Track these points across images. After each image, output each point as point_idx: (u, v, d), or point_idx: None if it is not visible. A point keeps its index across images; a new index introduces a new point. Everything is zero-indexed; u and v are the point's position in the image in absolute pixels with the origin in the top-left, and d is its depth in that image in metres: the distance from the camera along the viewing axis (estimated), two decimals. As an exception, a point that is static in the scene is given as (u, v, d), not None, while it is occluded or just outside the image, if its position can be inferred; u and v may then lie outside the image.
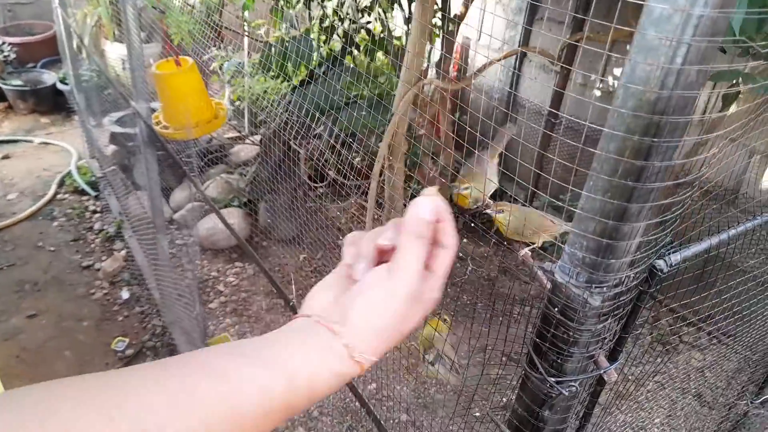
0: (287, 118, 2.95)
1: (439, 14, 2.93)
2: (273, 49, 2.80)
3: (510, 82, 4.09)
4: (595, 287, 0.68)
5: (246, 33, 4.03)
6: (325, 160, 2.99)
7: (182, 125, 2.31)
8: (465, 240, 3.47)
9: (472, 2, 2.93)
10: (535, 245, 1.44)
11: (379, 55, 3.57)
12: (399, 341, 0.50)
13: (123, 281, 3.43)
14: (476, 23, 3.98)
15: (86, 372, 0.45)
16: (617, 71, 3.41)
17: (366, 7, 3.15)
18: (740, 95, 1.82)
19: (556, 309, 0.72)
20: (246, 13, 3.70)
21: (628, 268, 0.69)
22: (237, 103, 4.46)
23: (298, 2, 3.16)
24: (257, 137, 4.36)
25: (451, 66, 3.66)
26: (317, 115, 2.84)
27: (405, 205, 3.36)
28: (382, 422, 1.16)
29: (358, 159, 3.15)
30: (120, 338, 3.00)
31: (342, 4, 3.14)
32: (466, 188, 1.92)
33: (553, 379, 0.75)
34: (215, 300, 3.27)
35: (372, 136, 2.96)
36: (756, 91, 1.32)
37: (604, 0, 2.99)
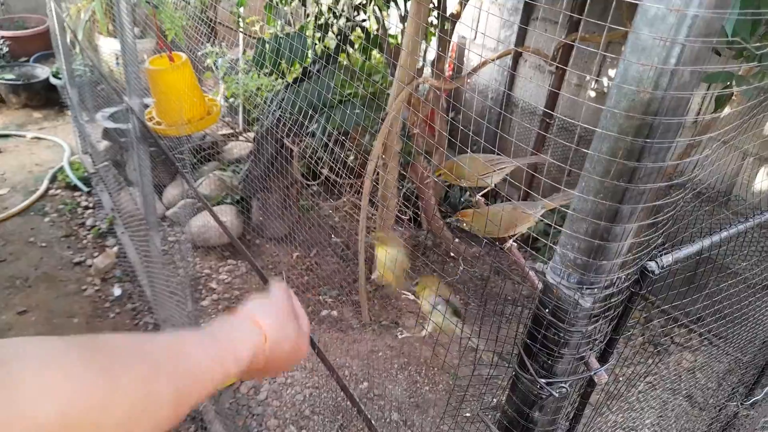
0: (280, 115, 2.94)
1: (434, 13, 2.93)
2: (267, 45, 2.78)
3: (505, 81, 4.10)
4: (586, 288, 0.68)
5: (240, 29, 4.01)
6: (319, 158, 2.98)
7: (175, 121, 2.30)
8: (457, 240, 3.47)
9: (467, 1, 2.93)
10: (516, 236, 1.44)
11: (375, 53, 3.56)
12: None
13: (115, 278, 3.41)
14: (472, 22, 3.99)
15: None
16: (612, 72, 3.41)
17: (361, 4, 3.14)
18: (734, 97, 1.83)
19: (547, 310, 0.71)
20: (241, 9, 3.68)
21: (619, 270, 0.69)
22: (231, 99, 4.44)
23: (293, -1, 3.15)
24: (251, 134, 4.34)
25: (446, 65, 3.66)
26: (311, 112, 2.83)
27: (398, 203, 3.35)
28: (372, 421, 1.15)
29: (351, 158, 3.14)
30: (111, 335, 2.98)
31: (337, 1, 3.13)
32: (440, 175, 1.94)
33: (543, 380, 0.75)
34: (207, 297, 3.26)
35: (366, 134, 2.96)
36: (746, 93, 1.33)
37: (599, 1, 2.99)
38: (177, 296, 2.55)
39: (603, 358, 0.81)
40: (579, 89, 3.66)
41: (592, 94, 3.57)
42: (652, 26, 0.53)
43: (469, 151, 1.66)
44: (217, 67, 4.23)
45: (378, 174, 2.68)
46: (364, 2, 3.12)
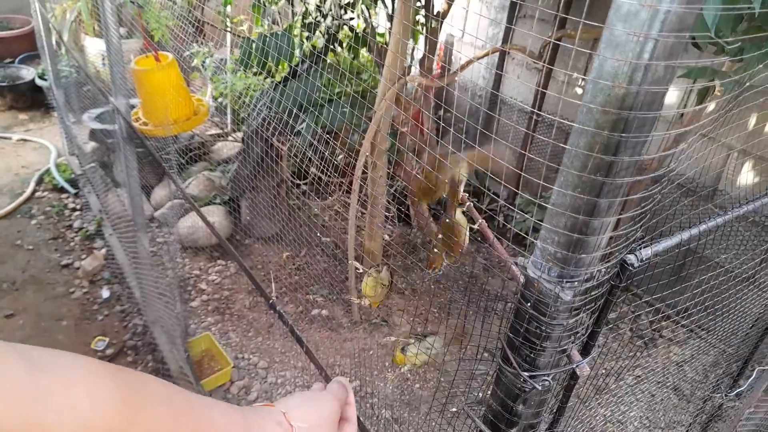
0: (267, 115, 2.93)
1: (422, 12, 2.93)
2: (253, 45, 2.77)
3: (493, 79, 4.11)
4: (567, 282, 0.69)
5: (227, 29, 4.00)
6: (307, 158, 2.98)
7: (161, 122, 2.29)
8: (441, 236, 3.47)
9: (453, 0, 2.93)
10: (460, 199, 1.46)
11: (363, 51, 3.56)
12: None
13: (103, 280, 3.39)
14: (459, 21, 3.99)
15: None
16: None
17: (349, 3, 3.14)
18: (717, 92, 1.85)
19: (529, 304, 0.72)
20: (228, 8, 3.67)
21: (599, 263, 0.70)
22: (219, 99, 4.42)
23: (280, -2, 3.15)
24: (240, 134, 4.33)
25: (434, 64, 3.66)
26: (298, 112, 2.82)
27: (388, 202, 3.36)
28: (361, 418, 1.16)
29: (340, 157, 3.14)
30: (100, 338, 2.97)
31: (324, 0, 3.13)
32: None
33: (526, 373, 0.75)
34: (197, 298, 3.25)
35: (353, 134, 2.96)
36: (726, 87, 1.34)
37: (584, -2, 3.01)
38: (166, 297, 2.54)
39: (585, 351, 0.82)
40: (566, 86, 3.68)
41: (579, 91, 3.60)
42: (626, 22, 0.54)
43: (457, 152, 1.67)
44: (205, 67, 4.21)
45: (366, 173, 2.68)
46: (352, 1, 3.12)
